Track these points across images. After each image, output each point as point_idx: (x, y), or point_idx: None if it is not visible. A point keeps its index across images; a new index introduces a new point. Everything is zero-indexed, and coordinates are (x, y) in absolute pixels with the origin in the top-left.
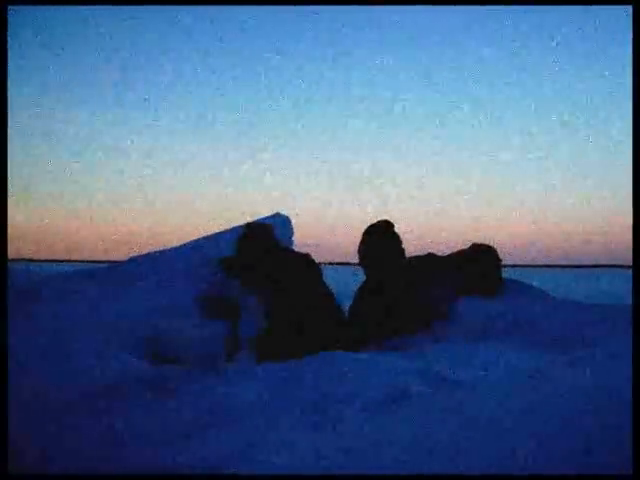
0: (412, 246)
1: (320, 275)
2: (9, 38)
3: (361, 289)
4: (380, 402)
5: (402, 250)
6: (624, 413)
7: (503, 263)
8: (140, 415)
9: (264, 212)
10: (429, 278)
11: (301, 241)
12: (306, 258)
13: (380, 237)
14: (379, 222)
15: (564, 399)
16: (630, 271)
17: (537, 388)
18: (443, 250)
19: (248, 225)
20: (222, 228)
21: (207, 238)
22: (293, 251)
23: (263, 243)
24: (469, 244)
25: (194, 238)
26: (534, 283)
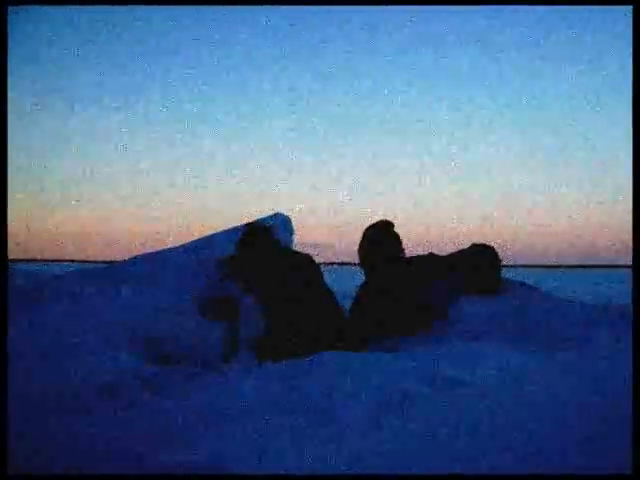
0: (412, 246)
1: (320, 275)
2: (9, 38)
3: (361, 289)
4: (380, 402)
5: (402, 250)
6: (623, 412)
7: (503, 263)
8: (140, 415)
9: (264, 212)
10: (429, 278)
11: (301, 241)
12: (306, 258)
13: (380, 237)
14: (379, 222)
15: (564, 399)
16: (630, 271)
17: (537, 388)
18: (443, 250)
19: (248, 225)
20: (221, 228)
21: (207, 238)
22: (293, 251)
23: (263, 243)
24: (469, 244)
25: (194, 238)
26: (534, 283)
